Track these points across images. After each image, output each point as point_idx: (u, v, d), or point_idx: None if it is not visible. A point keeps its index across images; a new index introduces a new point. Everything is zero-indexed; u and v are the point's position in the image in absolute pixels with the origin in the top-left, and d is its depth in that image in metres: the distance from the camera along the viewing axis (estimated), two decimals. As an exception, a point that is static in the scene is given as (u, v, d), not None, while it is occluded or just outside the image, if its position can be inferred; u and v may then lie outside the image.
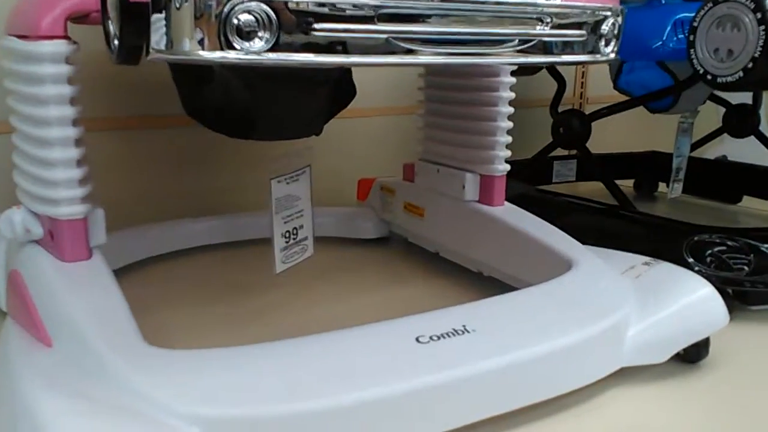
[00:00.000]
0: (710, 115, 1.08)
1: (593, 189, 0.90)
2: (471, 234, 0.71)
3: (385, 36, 0.39)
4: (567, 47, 0.46)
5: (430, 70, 0.75)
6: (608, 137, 1.17)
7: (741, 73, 0.65)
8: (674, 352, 0.52)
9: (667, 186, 0.93)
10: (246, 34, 0.36)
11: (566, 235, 0.64)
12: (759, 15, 0.63)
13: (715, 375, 0.53)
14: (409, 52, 0.41)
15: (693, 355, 0.54)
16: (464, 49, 0.42)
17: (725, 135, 1.04)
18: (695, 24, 0.69)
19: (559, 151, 1.08)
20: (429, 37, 0.41)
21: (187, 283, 0.72)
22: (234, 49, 0.36)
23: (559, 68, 1.00)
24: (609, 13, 0.47)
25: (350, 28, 0.38)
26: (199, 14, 0.35)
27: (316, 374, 0.40)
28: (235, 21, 0.35)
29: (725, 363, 0.55)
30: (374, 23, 0.38)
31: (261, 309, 0.65)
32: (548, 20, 0.44)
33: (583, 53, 0.46)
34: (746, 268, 0.64)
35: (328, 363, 0.41)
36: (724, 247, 0.66)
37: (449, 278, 0.73)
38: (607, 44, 0.48)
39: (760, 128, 0.99)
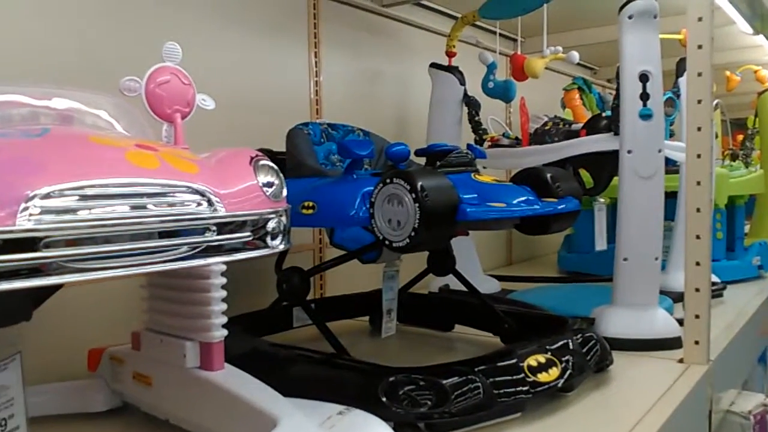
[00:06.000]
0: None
1: (336, 329, 0.99)
2: (194, 400, 0.75)
3: (54, 260, 0.44)
4: (237, 246, 0.55)
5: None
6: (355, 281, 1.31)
7: (407, 240, 0.80)
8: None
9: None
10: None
11: (274, 392, 0.71)
12: (413, 195, 0.79)
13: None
14: (91, 269, 0.47)
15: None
16: (143, 260, 0.49)
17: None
18: (373, 199, 0.84)
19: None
20: (108, 255, 0.47)
21: None
22: None
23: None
24: (273, 215, 0.57)
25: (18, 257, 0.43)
26: None
27: None
28: None
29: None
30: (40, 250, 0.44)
31: None
32: (214, 228, 0.52)
33: (253, 250, 0.56)
34: (429, 402, 0.76)
35: None
36: (414, 386, 0.78)
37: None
38: (274, 238, 0.58)
39: (457, 267, 1.18)
